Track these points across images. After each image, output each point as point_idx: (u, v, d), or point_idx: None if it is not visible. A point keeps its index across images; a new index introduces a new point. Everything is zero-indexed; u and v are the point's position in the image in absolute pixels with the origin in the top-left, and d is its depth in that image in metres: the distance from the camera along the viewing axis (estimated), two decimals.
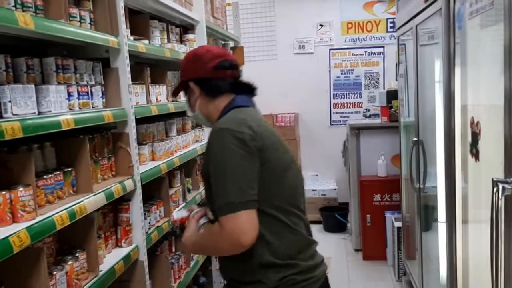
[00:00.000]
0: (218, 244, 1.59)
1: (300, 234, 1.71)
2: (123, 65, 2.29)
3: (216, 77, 1.77)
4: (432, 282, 3.30)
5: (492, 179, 1.62)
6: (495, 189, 1.59)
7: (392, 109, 4.94)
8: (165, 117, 3.17)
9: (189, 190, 3.34)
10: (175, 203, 2.96)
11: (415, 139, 3.38)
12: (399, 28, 4.05)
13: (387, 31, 6.08)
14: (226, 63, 1.78)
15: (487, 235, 1.72)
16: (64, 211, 1.76)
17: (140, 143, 2.69)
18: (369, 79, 6.14)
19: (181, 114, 3.48)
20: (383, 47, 6.12)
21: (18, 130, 1.49)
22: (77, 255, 1.93)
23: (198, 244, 1.73)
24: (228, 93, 1.78)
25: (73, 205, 1.83)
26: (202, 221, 1.77)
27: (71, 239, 2.05)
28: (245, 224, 1.51)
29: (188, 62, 1.83)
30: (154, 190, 2.78)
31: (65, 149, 2.02)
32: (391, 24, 6.02)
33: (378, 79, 6.13)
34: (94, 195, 2.00)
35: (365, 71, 6.17)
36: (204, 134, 3.71)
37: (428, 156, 3.19)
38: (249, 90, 1.83)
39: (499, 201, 1.57)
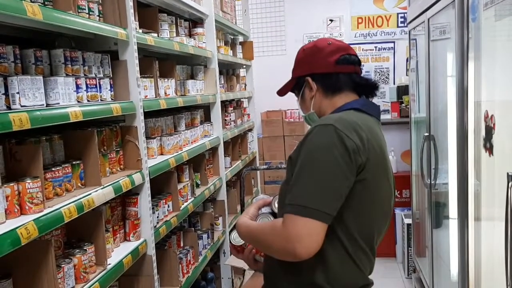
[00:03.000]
0: (272, 243, 1.42)
1: (362, 274, 1.53)
2: (131, 58, 2.27)
3: (338, 72, 1.61)
4: (443, 280, 3.26)
5: (507, 173, 1.58)
6: (510, 184, 1.56)
7: (403, 105, 4.90)
8: (174, 111, 3.16)
9: (197, 185, 3.33)
10: (183, 198, 2.94)
11: (426, 134, 3.34)
12: (410, 22, 4.00)
13: (398, 26, 6.01)
14: (350, 57, 1.62)
15: (500, 232, 1.68)
16: (72, 204, 1.74)
17: (148, 137, 2.67)
18: (379, 74, 6.08)
19: (190, 108, 3.47)
20: (394, 42, 6.05)
21: (26, 121, 1.48)
22: (85, 248, 1.92)
23: (252, 232, 1.57)
24: (349, 91, 1.62)
25: (81, 198, 1.82)
26: (264, 210, 1.67)
27: (80, 232, 2.04)
28: (309, 235, 1.34)
29: (307, 55, 1.66)
30: (162, 184, 2.77)
31: (73, 142, 2.01)
32: (402, 19, 5.95)
33: (388, 74, 6.07)
34: (102, 188, 1.99)
35: (375, 66, 6.11)
36: (213, 129, 3.70)
37: (439, 152, 3.15)
38: (371, 88, 1.66)
39: None
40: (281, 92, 1.81)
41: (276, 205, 1.66)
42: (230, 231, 2.18)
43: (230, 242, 2.22)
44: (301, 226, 1.34)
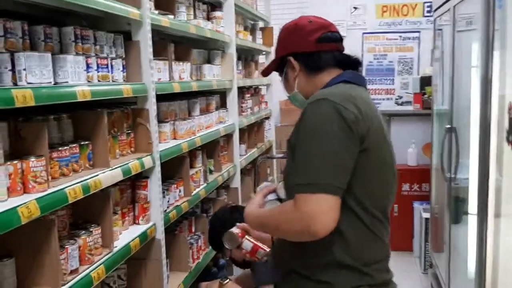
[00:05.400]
0: (286, 225, 1.40)
1: (381, 243, 1.52)
2: (144, 39, 2.23)
3: (320, 50, 1.58)
4: (459, 276, 3.18)
5: None
6: None
7: (425, 96, 4.77)
8: (189, 96, 3.11)
9: (211, 172, 3.29)
10: (195, 183, 2.91)
11: (448, 126, 3.23)
12: (436, 9, 3.87)
13: (424, 16, 5.83)
14: (331, 34, 1.60)
15: None
16: (77, 184, 1.72)
17: (161, 120, 2.64)
18: (403, 65, 5.93)
19: (206, 94, 3.43)
20: (419, 32, 5.88)
21: (30, 98, 1.45)
22: (91, 229, 1.90)
23: (263, 219, 1.55)
24: (332, 68, 1.59)
25: (87, 179, 1.79)
26: (270, 197, 1.65)
27: (87, 213, 2.02)
28: (322, 210, 1.31)
29: (287, 35, 1.64)
30: (174, 169, 2.73)
31: (82, 122, 1.98)
32: (428, 8, 5.77)
33: (412, 65, 5.91)
34: (110, 170, 1.96)
35: (399, 56, 5.95)
36: (229, 115, 3.65)
37: (461, 145, 3.05)
38: (355, 64, 1.63)
39: None
40: (264, 73, 1.78)
41: (282, 190, 1.62)
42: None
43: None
44: (314, 203, 1.31)
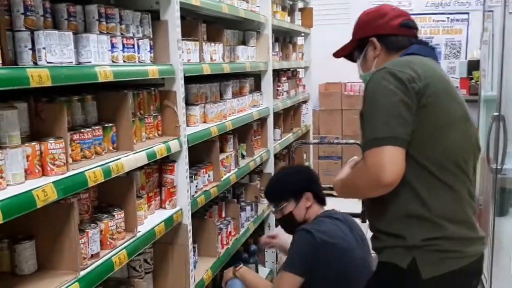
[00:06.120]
0: (360, 182, 1.55)
1: (457, 194, 1.57)
2: (173, 18, 2.15)
3: (401, 34, 1.75)
4: (502, 271, 3.02)
5: None
6: None
7: (473, 81, 4.51)
8: (222, 79, 3.03)
9: (243, 156, 3.22)
10: (226, 168, 2.84)
11: (496, 114, 3.03)
12: None
13: None
14: (410, 22, 1.78)
15: None
16: (98, 168, 1.67)
17: (191, 103, 2.58)
18: (450, 48, 5.65)
19: (240, 76, 3.34)
20: (468, 13, 5.57)
21: (46, 77, 1.40)
22: (113, 213, 1.86)
23: (344, 184, 1.70)
24: (407, 48, 1.74)
25: (109, 162, 1.75)
26: None
27: (111, 197, 1.98)
28: (388, 160, 1.43)
29: (371, 19, 1.81)
30: (203, 153, 2.68)
31: (107, 104, 1.93)
32: None
33: (460, 48, 5.62)
34: (134, 153, 1.91)
35: (446, 39, 5.67)
36: (263, 99, 3.55)
37: (509, 134, 2.85)
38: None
39: None
40: (339, 54, 1.93)
41: None
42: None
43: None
44: (378, 155, 1.44)
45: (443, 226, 1.52)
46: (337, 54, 1.93)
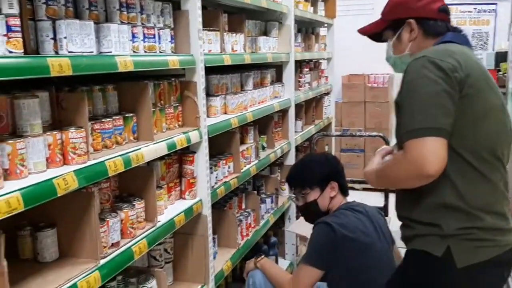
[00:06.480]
0: (400, 172, 1.51)
1: (494, 185, 1.56)
2: (194, 8, 2.14)
3: (439, 18, 1.71)
4: None
5: None
6: None
7: (500, 73, 4.39)
8: (243, 69, 3.02)
9: (263, 148, 3.20)
10: (246, 160, 2.83)
11: None
12: None
13: None
14: (447, 8, 1.74)
15: None
16: (118, 157, 1.68)
17: (212, 94, 2.57)
18: (477, 39, 5.51)
19: (261, 67, 3.32)
20: (496, 4, 5.41)
21: (66, 67, 1.41)
22: (134, 203, 1.87)
23: (379, 174, 1.67)
24: (443, 36, 1.69)
25: (129, 152, 1.75)
26: (388, 158, 1.72)
27: (132, 187, 1.99)
28: (431, 151, 1.41)
29: (409, 0, 1.75)
30: (224, 144, 2.67)
31: (128, 94, 1.94)
32: None
33: (487, 39, 5.48)
34: (154, 143, 1.91)
35: (473, 30, 5.53)
36: (284, 90, 3.52)
37: None
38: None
39: None
40: (365, 31, 1.87)
41: (397, 150, 1.65)
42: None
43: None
44: (421, 146, 1.41)
45: (479, 217, 1.51)
46: (364, 31, 1.87)
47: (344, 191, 2.41)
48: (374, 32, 1.85)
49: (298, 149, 3.95)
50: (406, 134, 1.45)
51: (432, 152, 1.41)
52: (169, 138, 2.01)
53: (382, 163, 1.71)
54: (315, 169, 2.40)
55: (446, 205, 1.52)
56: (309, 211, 2.41)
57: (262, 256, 2.51)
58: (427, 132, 1.41)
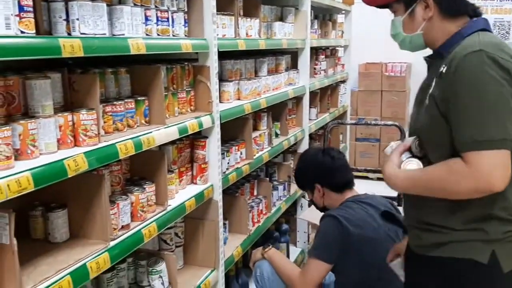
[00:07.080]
0: (460, 186, 1.34)
1: None
2: None
3: None
4: None
5: None
6: None
7: None
8: (257, 55, 2.99)
9: (277, 135, 3.19)
10: (259, 146, 2.82)
11: None
12: None
13: None
14: None
15: None
16: (129, 140, 1.68)
17: (225, 79, 2.55)
18: (499, 28, 5.38)
19: (276, 53, 3.29)
20: None
21: (78, 48, 1.41)
22: (144, 186, 1.88)
23: (419, 181, 1.47)
24: (461, 18, 1.51)
25: (140, 135, 1.75)
26: (405, 156, 1.57)
27: (143, 170, 2.00)
28: (501, 166, 1.29)
29: None
30: (237, 130, 2.66)
31: (140, 78, 1.94)
32: None
33: (509, 29, 5.35)
34: (165, 127, 1.91)
35: (495, 19, 5.40)
36: (299, 77, 3.49)
37: None
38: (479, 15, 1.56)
39: None
40: (372, 1, 1.64)
41: (417, 148, 1.52)
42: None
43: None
44: (489, 160, 1.30)
45: None
46: (369, 0, 1.64)
47: (336, 189, 2.37)
48: (382, 4, 1.63)
49: (312, 137, 3.92)
50: (470, 144, 1.31)
51: (502, 167, 1.30)
52: (181, 123, 2.01)
53: (400, 162, 1.55)
54: (305, 172, 2.51)
55: (491, 217, 1.42)
56: (315, 206, 2.55)
57: (270, 247, 2.50)
58: (497, 145, 1.29)
